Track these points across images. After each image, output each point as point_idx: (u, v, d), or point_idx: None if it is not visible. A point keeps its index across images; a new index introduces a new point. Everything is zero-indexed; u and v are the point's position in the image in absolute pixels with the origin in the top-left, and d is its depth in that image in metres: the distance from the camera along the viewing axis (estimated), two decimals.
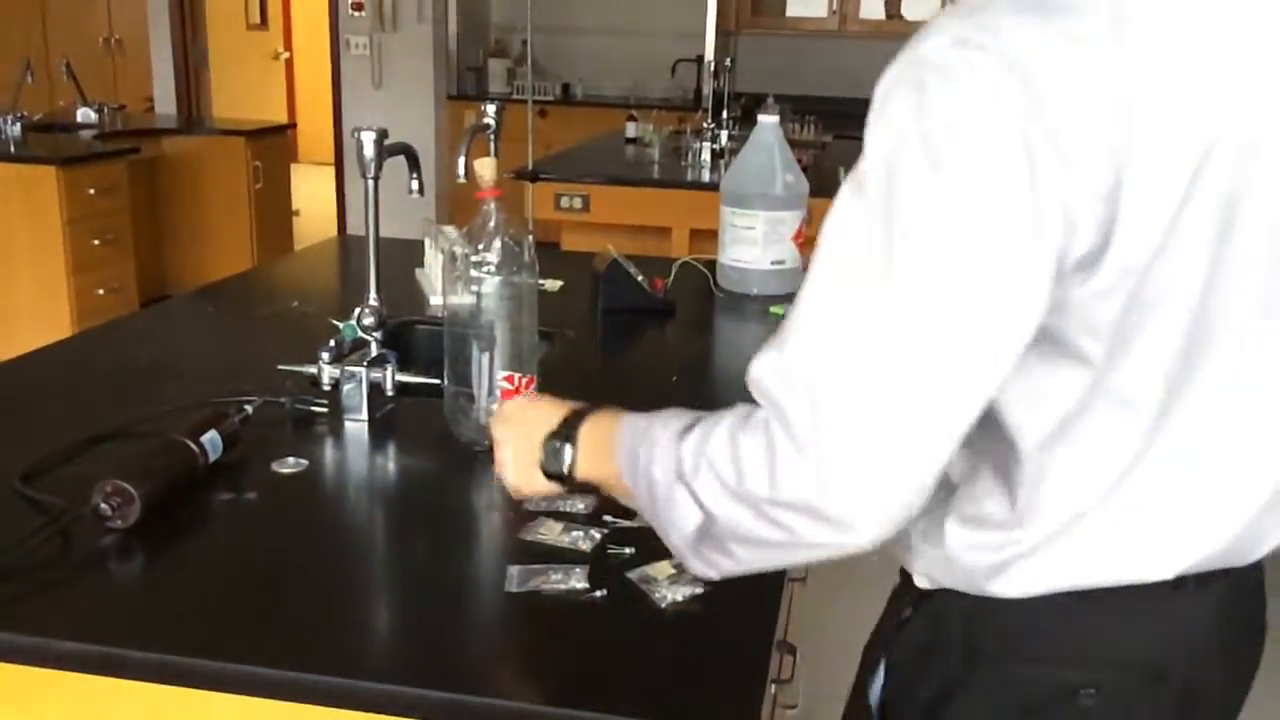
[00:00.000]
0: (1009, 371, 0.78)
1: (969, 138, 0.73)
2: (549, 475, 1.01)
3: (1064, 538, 0.89)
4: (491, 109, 2.03)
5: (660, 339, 1.99)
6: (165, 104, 6.81)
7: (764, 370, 0.81)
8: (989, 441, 0.88)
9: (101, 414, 1.43)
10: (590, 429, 0.99)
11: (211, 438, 1.27)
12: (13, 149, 4.67)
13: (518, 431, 1.04)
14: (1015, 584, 0.91)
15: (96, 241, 4.55)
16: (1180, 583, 0.90)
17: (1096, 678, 0.92)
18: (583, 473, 0.99)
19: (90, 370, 1.72)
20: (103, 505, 1.12)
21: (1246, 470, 0.90)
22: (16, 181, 4.42)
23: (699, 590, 1.05)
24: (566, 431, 1.00)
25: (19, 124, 4.81)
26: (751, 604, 1.05)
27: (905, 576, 1.03)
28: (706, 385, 1.79)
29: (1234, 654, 0.99)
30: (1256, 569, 0.98)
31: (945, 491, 0.93)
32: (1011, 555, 0.91)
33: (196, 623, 1.01)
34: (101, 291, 4.58)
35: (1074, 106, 0.73)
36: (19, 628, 0.98)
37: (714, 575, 0.91)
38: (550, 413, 1.02)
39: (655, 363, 1.93)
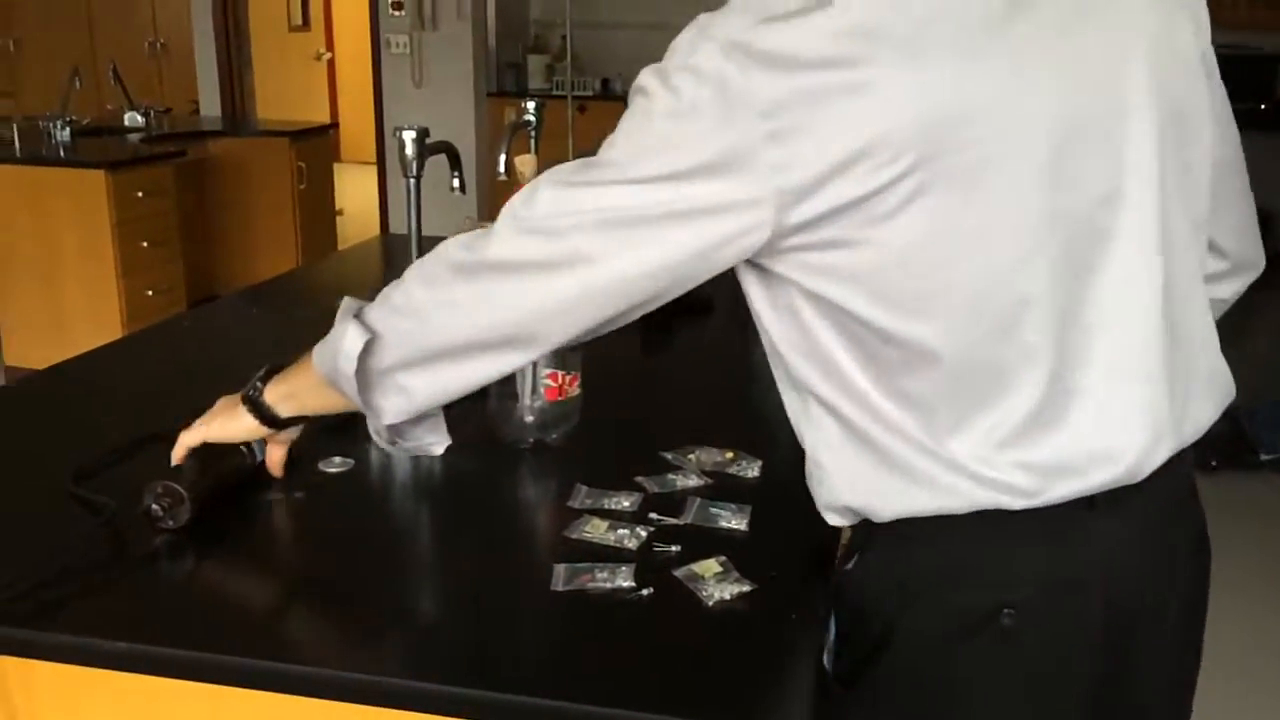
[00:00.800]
0: (661, 271, 1.01)
1: (701, 87, 0.86)
2: (250, 405, 1.17)
3: (943, 475, 0.92)
4: (531, 105, 2.04)
5: (699, 335, 1.98)
6: (210, 106, 6.89)
7: None
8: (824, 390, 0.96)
9: (151, 415, 1.45)
10: (292, 366, 1.16)
11: None
12: (62, 153, 4.75)
13: (222, 404, 1.21)
14: (903, 506, 0.95)
15: (145, 243, 4.62)
16: (1090, 502, 0.93)
17: (1013, 598, 0.93)
18: (279, 388, 1.16)
19: (140, 371, 1.74)
20: (154, 506, 1.13)
21: (1108, 393, 0.93)
22: (66, 185, 4.50)
23: (747, 588, 1.05)
24: (269, 371, 1.18)
25: (68, 129, 4.89)
26: (801, 601, 1.04)
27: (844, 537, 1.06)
28: (745, 380, 1.77)
29: (1165, 569, 1.00)
30: (1170, 488, 0.99)
31: (817, 432, 0.99)
32: (893, 496, 0.94)
33: (246, 622, 1.02)
34: (150, 293, 4.65)
35: (793, 98, 0.83)
36: (71, 628, 0.99)
37: (387, 419, 1.05)
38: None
39: (695, 358, 1.92)
